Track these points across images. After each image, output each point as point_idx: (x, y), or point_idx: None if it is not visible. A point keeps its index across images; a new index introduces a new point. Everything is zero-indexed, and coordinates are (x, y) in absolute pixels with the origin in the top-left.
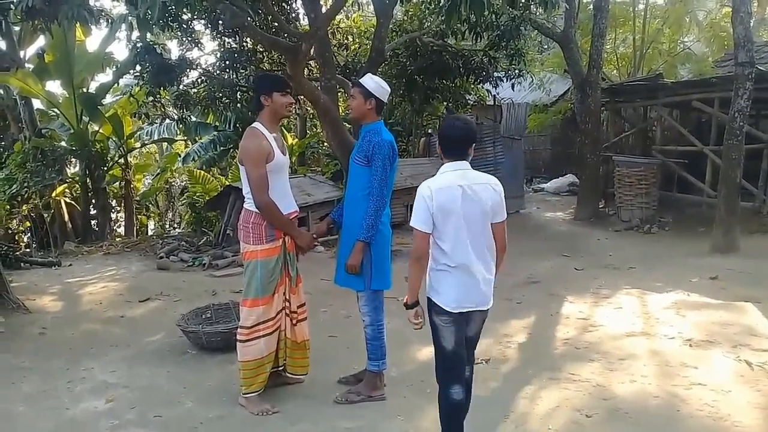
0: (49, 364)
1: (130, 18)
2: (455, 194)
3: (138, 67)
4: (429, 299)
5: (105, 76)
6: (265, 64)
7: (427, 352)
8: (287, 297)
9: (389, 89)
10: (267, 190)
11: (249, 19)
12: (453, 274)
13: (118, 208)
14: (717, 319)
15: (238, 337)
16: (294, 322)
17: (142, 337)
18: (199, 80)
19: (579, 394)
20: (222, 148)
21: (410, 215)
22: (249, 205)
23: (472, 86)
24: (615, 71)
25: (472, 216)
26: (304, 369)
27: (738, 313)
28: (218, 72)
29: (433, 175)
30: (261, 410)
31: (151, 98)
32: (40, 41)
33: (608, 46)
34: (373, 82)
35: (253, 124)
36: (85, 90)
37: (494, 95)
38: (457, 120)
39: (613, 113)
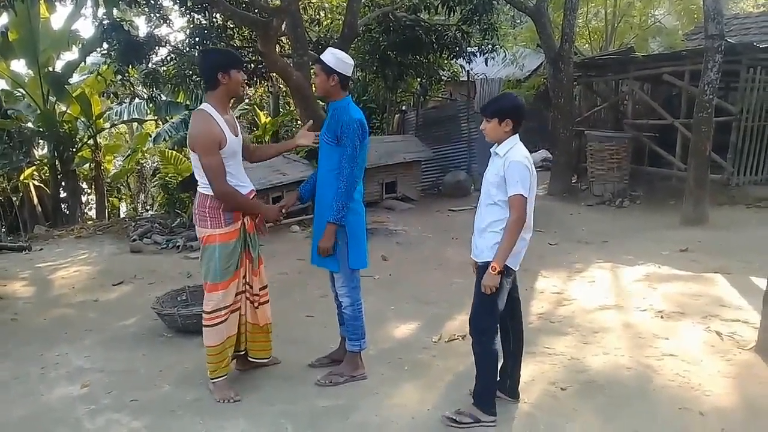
0: (21, 350)
1: None
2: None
3: (105, 45)
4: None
5: (71, 55)
6: (236, 41)
7: (404, 329)
8: (248, 280)
9: (352, 62)
10: (224, 178)
11: None
12: (524, 236)
13: (89, 191)
14: (687, 291)
15: (203, 321)
16: (256, 305)
17: (117, 320)
18: (169, 58)
19: (554, 367)
20: None
21: (385, 193)
22: (204, 189)
23: (446, 62)
24: (587, 45)
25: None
26: (267, 353)
27: (708, 284)
28: (188, 49)
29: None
30: (223, 397)
31: (119, 77)
32: (4, 19)
33: (580, 20)
34: (333, 57)
35: (201, 106)
36: (51, 69)
37: (468, 71)
38: (519, 98)
39: (586, 87)
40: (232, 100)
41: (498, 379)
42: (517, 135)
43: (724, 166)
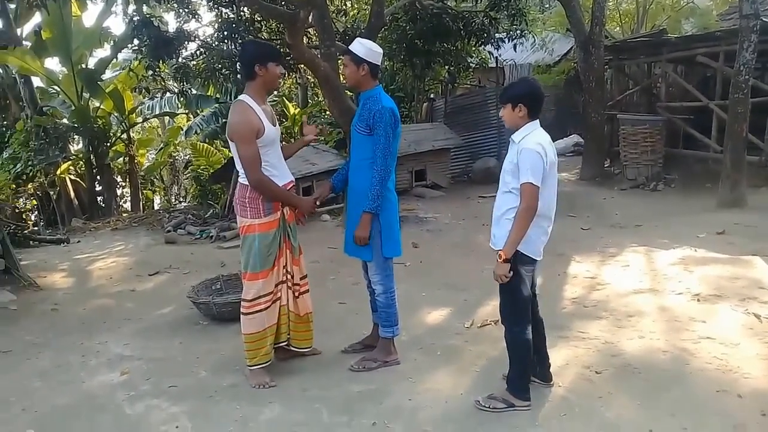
0: (62, 340)
1: None
2: (554, 148)
3: (136, 41)
4: (516, 251)
5: (103, 51)
6: (264, 34)
7: (436, 316)
8: (289, 269)
9: (381, 51)
10: (259, 167)
11: None
12: (540, 224)
13: (123, 184)
14: (725, 274)
15: (242, 309)
16: (297, 294)
17: (154, 309)
18: (198, 52)
19: (588, 351)
20: (224, 120)
21: (415, 181)
22: (244, 179)
23: (474, 49)
24: (618, 28)
25: (556, 169)
26: (309, 342)
27: (746, 266)
28: (217, 43)
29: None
30: (259, 383)
31: (150, 72)
32: (37, 18)
33: (611, 3)
34: (362, 46)
35: (240, 97)
36: (84, 66)
37: (496, 57)
38: (534, 81)
39: (617, 71)
40: (270, 92)
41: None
42: (537, 121)
43: (762, 147)
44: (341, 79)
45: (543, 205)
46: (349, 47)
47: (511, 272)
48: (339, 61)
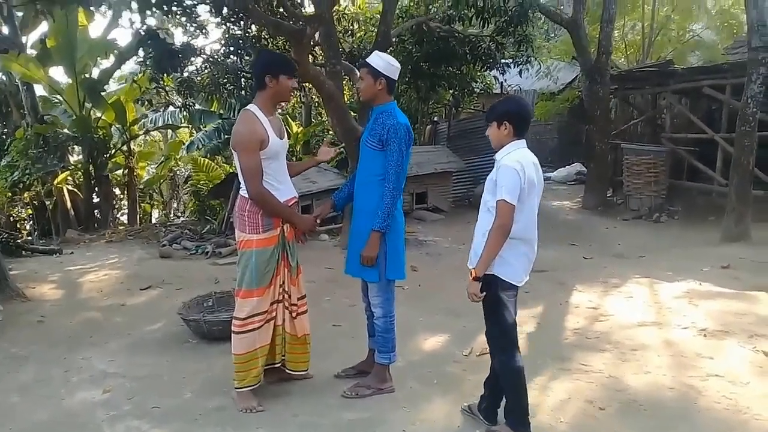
0: (46, 353)
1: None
2: (536, 169)
3: (141, 53)
4: (492, 275)
5: (107, 62)
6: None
7: (434, 342)
8: (286, 289)
9: (399, 65)
10: (260, 179)
11: (253, 2)
12: (521, 248)
13: (121, 196)
14: (731, 309)
15: (233, 328)
16: (294, 315)
17: (143, 325)
18: (203, 66)
19: (591, 385)
20: (226, 136)
21: (416, 204)
22: (245, 192)
23: (479, 74)
24: (623, 59)
25: (540, 190)
26: (305, 365)
27: (752, 302)
28: (222, 58)
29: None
30: (246, 407)
31: (154, 84)
32: (43, 27)
33: (617, 34)
34: (381, 60)
35: (248, 106)
36: (87, 76)
37: (501, 82)
38: (522, 100)
39: (622, 101)
40: (279, 103)
41: (485, 393)
42: (523, 141)
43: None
44: (345, 97)
45: (520, 227)
46: (368, 60)
47: (484, 293)
48: (344, 80)
